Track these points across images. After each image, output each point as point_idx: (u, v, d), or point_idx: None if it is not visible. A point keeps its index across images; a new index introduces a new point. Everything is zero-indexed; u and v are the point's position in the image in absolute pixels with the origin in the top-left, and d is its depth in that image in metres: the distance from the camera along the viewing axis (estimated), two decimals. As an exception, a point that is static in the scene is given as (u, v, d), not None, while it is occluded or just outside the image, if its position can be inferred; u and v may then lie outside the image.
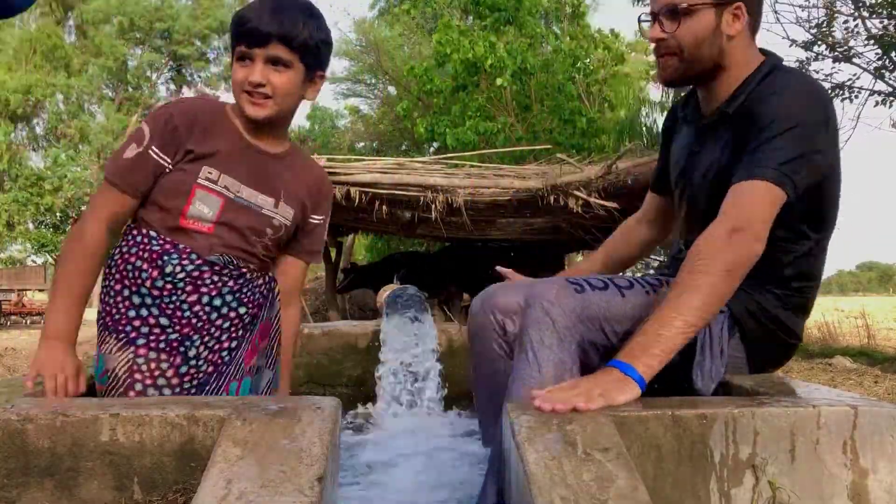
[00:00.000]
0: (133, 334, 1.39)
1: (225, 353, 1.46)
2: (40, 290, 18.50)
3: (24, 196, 22.58)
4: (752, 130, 1.29)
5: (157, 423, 1.03)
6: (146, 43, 26.66)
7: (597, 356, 1.32)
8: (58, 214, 24.49)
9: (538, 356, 1.23)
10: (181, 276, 1.41)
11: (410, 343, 2.37)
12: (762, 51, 1.45)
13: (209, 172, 1.42)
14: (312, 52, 1.42)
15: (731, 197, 1.25)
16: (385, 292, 3.32)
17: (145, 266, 1.41)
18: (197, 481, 0.92)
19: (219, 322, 1.45)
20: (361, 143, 16.70)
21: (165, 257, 1.41)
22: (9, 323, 14.80)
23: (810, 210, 1.35)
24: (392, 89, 15.76)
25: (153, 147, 1.41)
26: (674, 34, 1.37)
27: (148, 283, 1.40)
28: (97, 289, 1.47)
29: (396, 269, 8.53)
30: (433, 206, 6.75)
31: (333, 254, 11.28)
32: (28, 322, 15.30)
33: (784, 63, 1.42)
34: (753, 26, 1.40)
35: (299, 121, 19.66)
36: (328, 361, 2.57)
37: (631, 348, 1.17)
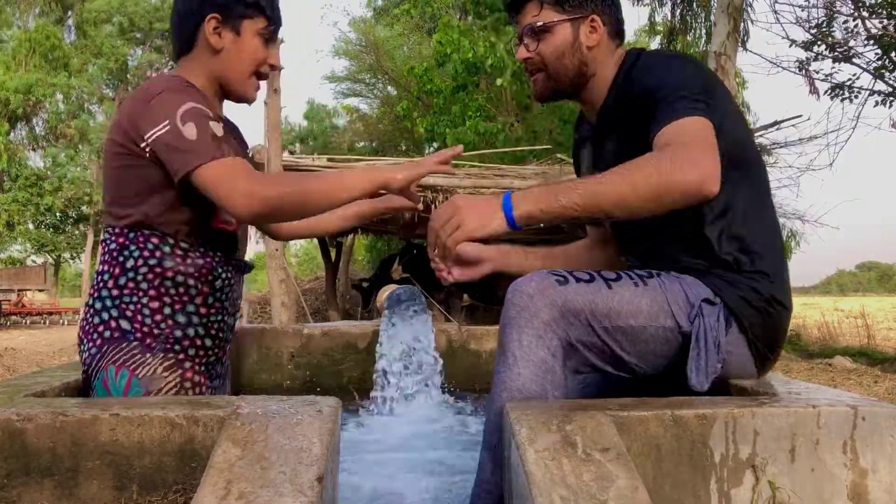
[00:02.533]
0: (181, 356, 1.32)
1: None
2: (40, 290, 18.50)
3: (24, 196, 22.59)
4: (646, 104, 1.28)
5: (158, 423, 1.03)
6: (146, 43, 26.65)
7: (595, 357, 1.24)
8: (58, 214, 24.50)
9: (517, 356, 1.16)
10: (227, 291, 1.35)
11: (410, 341, 2.38)
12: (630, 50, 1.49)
13: None
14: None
15: (662, 140, 1.21)
16: (385, 292, 3.32)
17: (193, 282, 1.31)
18: (197, 481, 0.92)
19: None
20: (361, 143, 16.70)
21: (214, 272, 1.32)
22: (9, 323, 14.80)
23: (731, 155, 1.28)
24: (392, 89, 15.76)
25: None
26: (537, 52, 1.44)
27: (198, 300, 1.32)
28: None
29: (399, 259, 8.52)
30: (433, 206, 6.76)
31: (333, 254, 11.28)
32: (28, 322, 15.30)
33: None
34: (614, 31, 1.46)
35: (297, 120, 19.69)
36: (328, 361, 2.57)
37: (526, 189, 1.20)
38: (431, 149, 13.44)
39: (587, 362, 1.25)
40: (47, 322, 15.65)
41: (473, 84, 10.07)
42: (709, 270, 1.32)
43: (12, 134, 23.53)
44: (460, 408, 2.25)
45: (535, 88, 1.51)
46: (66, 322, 15.95)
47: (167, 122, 1.21)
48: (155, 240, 1.30)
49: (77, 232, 25.59)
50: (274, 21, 1.39)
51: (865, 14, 6.82)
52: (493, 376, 1.22)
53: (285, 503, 0.80)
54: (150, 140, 1.23)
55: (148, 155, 1.26)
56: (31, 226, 24.42)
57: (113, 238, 1.33)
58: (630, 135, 1.34)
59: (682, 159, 1.14)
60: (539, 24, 1.42)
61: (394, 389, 2.26)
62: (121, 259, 1.32)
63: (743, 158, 1.36)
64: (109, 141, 1.32)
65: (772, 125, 6.21)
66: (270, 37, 1.39)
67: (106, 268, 1.34)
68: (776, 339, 1.37)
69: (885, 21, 6.77)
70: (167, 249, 1.30)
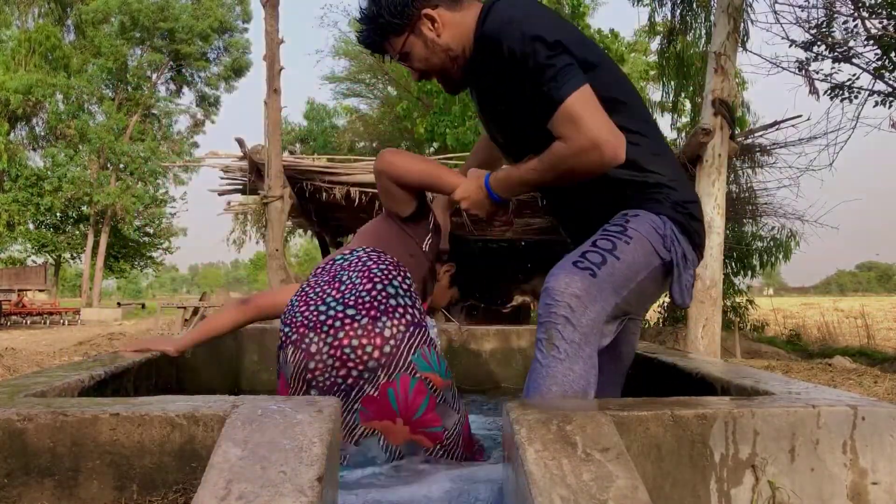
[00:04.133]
0: None
1: None
2: (40, 290, 18.49)
3: (24, 196, 22.58)
4: (509, 67, 1.37)
5: (158, 422, 1.03)
6: (147, 42, 26.63)
7: (611, 321, 1.35)
8: (58, 214, 24.49)
9: (569, 353, 1.25)
10: None
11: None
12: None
13: None
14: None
15: (558, 129, 1.34)
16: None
17: None
18: (197, 481, 0.92)
19: None
20: (361, 143, 16.70)
21: None
22: (9, 323, 14.79)
23: (606, 97, 1.37)
24: (392, 89, 15.76)
25: None
26: (417, 69, 1.58)
27: None
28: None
29: None
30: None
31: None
32: (28, 322, 15.30)
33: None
34: (449, 3, 1.51)
35: (297, 119, 19.67)
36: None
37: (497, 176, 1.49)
38: (431, 149, 13.42)
39: (609, 331, 1.36)
40: (47, 322, 15.64)
41: (473, 84, 10.05)
42: (640, 197, 1.44)
43: (12, 134, 23.53)
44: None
45: (444, 89, 1.66)
46: (66, 322, 15.94)
47: None
48: None
49: (77, 232, 25.58)
50: None
51: (865, 14, 6.82)
52: (533, 370, 1.28)
53: (285, 503, 0.80)
54: None
55: None
56: (31, 226, 24.41)
57: None
58: (498, 87, 1.47)
59: (585, 149, 1.30)
60: (396, 54, 1.57)
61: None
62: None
63: (628, 95, 1.47)
64: None
65: (772, 125, 6.20)
66: None
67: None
68: (702, 236, 1.51)
69: (885, 21, 6.77)
70: None
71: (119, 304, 21.16)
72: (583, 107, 1.31)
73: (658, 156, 1.46)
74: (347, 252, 1.72)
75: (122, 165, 24.83)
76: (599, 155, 1.30)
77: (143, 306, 22.09)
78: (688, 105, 9.73)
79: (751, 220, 8.50)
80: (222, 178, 7.13)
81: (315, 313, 1.54)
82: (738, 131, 5.71)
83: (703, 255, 1.51)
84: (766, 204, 7.91)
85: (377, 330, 1.49)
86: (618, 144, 1.31)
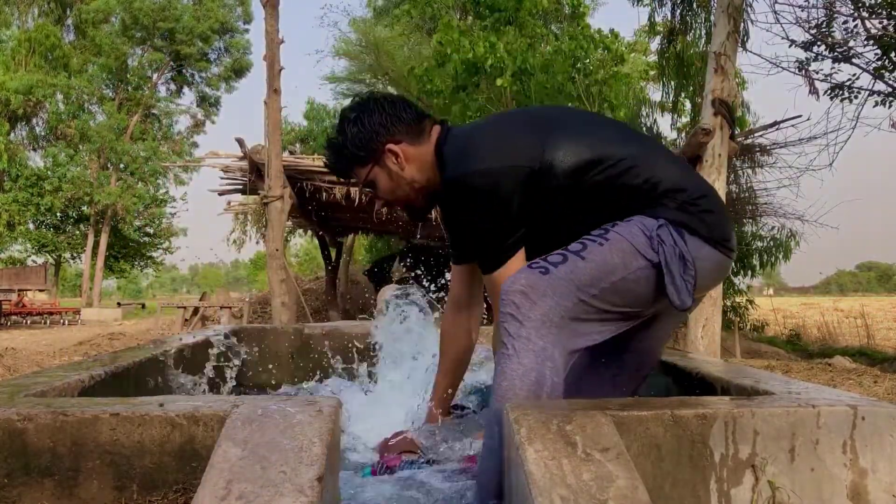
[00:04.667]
0: None
1: None
2: (41, 290, 18.49)
3: (24, 196, 22.57)
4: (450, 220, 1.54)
5: (158, 422, 1.03)
6: (147, 42, 26.61)
7: (597, 323, 1.34)
8: (58, 214, 24.49)
9: (517, 348, 1.25)
10: None
11: (411, 342, 2.37)
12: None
13: None
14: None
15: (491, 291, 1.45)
16: (387, 291, 3.32)
17: None
18: (197, 481, 0.93)
19: None
20: (361, 143, 16.66)
21: None
22: (9, 323, 14.79)
23: (571, 187, 1.43)
24: (392, 90, 15.75)
25: None
26: (382, 197, 1.63)
27: None
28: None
29: (400, 259, 8.51)
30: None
31: (333, 254, 11.27)
32: (28, 322, 15.30)
33: (449, 132, 1.59)
34: (412, 133, 1.57)
35: (297, 119, 19.67)
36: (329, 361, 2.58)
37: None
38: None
39: (593, 330, 1.34)
40: (48, 322, 15.64)
41: (473, 84, 10.05)
42: (646, 206, 1.43)
43: (12, 134, 23.52)
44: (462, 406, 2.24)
45: (411, 219, 1.70)
46: (66, 322, 15.94)
47: None
48: None
49: (77, 232, 25.57)
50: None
51: (865, 14, 6.81)
52: (496, 369, 1.28)
53: (285, 503, 0.81)
54: None
55: None
56: (31, 226, 24.41)
57: None
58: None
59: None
60: (361, 181, 1.61)
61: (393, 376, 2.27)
62: None
63: (582, 180, 1.44)
64: None
65: (772, 125, 6.20)
66: None
67: None
68: (721, 227, 1.45)
69: (885, 21, 6.77)
70: None
71: (119, 304, 21.16)
72: (497, 285, 1.40)
73: (655, 166, 1.45)
74: None
75: (122, 165, 24.82)
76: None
77: (143, 306, 22.10)
78: (688, 105, 9.72)
79: (751, 220, 8.49)
80: (222, 178, 7.13)
81: None
82: (738, 131, 5.71)
83: (729, 247, 1.46)
84: (765, 204, 7.91)
85: None
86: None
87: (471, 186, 1.42)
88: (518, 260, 1.44)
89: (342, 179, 1.67)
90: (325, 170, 6.92)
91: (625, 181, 1.41)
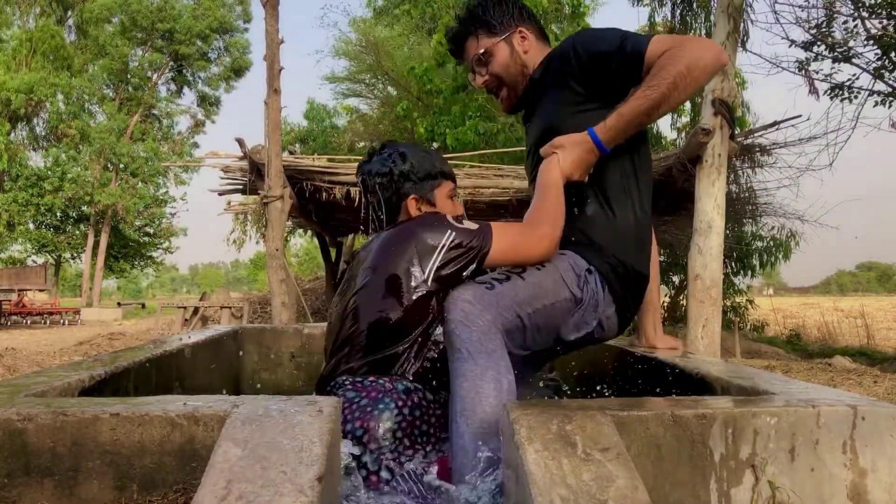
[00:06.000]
0: None
1: None
2: (41, 290, 18.49)
3: (24, 196, 22.58)
4: (569, 63, 1.55)
5: (158, 422, 1.03)
6: (147, 43, 26.61)
7: (518, 339, 1.43)
8: (58, 214, 24.49)
9: (470, 351, 1.31)
10: None
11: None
12: None
13: None
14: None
15: (657, 48, 1.45)
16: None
17: None
18: (197, 481, 0.93)
19: None
20: (361, 143, 16.68)
21: None
22: (9, 323, 14.80)
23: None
24: (392, 89, 15.75)
25: None
26: (489, 73, 1.73)
27: None
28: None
29: None
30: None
31: (333, 254, 11.28)
32: (28, 322, 15.30)
33: None
34: (541, 35, 1.75)
35: (297, 120, 19.67)
36: (328, 361, 2.57)
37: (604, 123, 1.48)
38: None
39: (514, 344, 1.43)
40: (48, 322, 15.64)
41: (473, 84, 10.03)
42: (585, 242, 1.54)
43: (13, 134, 23.52)
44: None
45: (503, 104, 1.79)
46: (66, 322, 15.94)
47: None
48: None
49: (77, 232, 25.58)
50: (455, 180, 1.70)
51: (865, 14, 6.81)
52: (451, 373, 1.34)
53: (285, 503, 0.81)
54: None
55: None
56: (31, 226, 24.41)
57: None
58: (556, 94, 1.59)
59: (694, 46, 1.41)
60: (482, 51, 1.70)
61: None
62: None
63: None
64: None
65: (772, 125, 6.20)
66: (455, 194, 1.69)
67: None
68: (633, 306, 1.62)
69: (885, 21, 6.77)
70: None
71: (119, 303, 21.18)
72: (670, 37, 1.45)
73: (609, 220, 1.57)
74: None
75: (122, 166, 24.83)
76: (709, 49, 1.40)
77: (143, 306, 22.11)
78: (688, 105, 9.72)
79: (751, 220, 8.50)
80: (222, 178, 7.13)
81: None
82: (737, 131, 5.71)
83: (622, 328, 1.62)
84: (765, 204, 7.92)
85: None
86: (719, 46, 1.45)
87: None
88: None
89: (451, 51, 1.76)
90: (325, 170, 6.94)
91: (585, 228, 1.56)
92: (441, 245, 1.45)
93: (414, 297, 1.44)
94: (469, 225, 1.50)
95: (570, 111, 1.56)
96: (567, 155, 1.50)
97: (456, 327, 1.33)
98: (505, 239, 1.47)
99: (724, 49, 1.48)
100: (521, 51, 1.69)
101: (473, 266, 1.45)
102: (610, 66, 1.49)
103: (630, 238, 1.56)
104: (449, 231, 1.46)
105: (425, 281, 1.44)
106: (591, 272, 1.50)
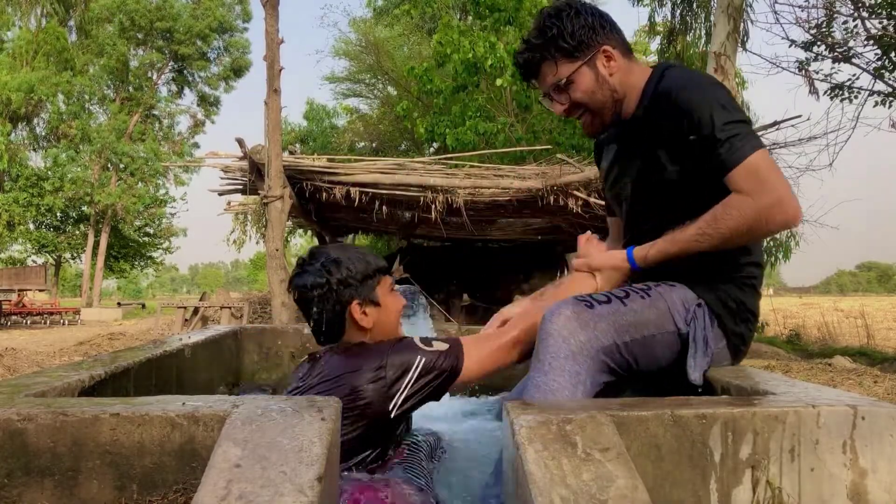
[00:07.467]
0: None
1: None
2: (40, 290, 18.49)
3: (24, 196, 22.57)
4: (685, 125, 1.37)
5: (158, 422, 1.03)
6: (147, 43, 26.61)
7: (610, 365, 1.36)
8: (58, 215, 24.48)
9: (553, 366, 1.28)
10: None
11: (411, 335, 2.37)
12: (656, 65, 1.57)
13: None
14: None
15: (738, 183, 1.32)
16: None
17: None
18: (197, 481, 0.93)
19: None
20: (361, 143, 16.69)
21: None
22: (9, 323, 14.79)
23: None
24: (392, 89, 15.75)
25: None
26: (571, 102, 1.54)
27: None
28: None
29: (400, 259, 8.52)
30: (433, 206, 6.76)
31: (333, 254, 11.24)
32: (28, 322, 15.30)
33: (672, 63, 1.58)
34: (625, 49, 1.54)
35: (297, 120, 19.67)
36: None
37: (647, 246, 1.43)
38: (431, 149, 13.41)
39: (604, 369, 1.36)
40: (48, 322, 15.64)
41: (473, 84, 10.06)
42: (697, 273, 1.46)
43: (13, 134, 23.52)
44: (461, 405, 2.25)
45: (587, 130, 1.61)
46: (66, 322, 15.94)
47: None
48: None
49: (77, 232, 25.57)
50: (391, 271, 1.59)
51: (865, 14, 6.82)
52: (527, 382, 1.33)
53: (285, 503, 0.81)
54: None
55: None
56: (31, 226, 24.40)
57: None
58: (652, 147, 1.46)
59: (770, 204, 1.28)
60: (562, 81, 1.51)
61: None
62: None
63: None
64: None
65: (772, 125, 6.20)
66: (393, 287, 1.58)
67: None
68: (745, 342, 1.55)
69: (885, 21, 6.77)
70: None
71: (119, 303, 21.18)
72: (768, 164, 1.30)
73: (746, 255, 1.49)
74: None
75: (122, 166, 24.83)
76: (783, 212, 1.28)
77: (143, 306, 22.11)
78: (688, 105, 9.69)
79: (751, 220, 8.48)
80: (222, 178, 7.13)
81: None
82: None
83: (744, 341, 1.54)
84: (765, 204, 7.89)
85: None
86: (798, 206, 1.30)
87: (700, 73, 1.48)
88: (772, 159, 1.37)
89: (522, 75, 1.55)
90: (325, 170, 6.94)
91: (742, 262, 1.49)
92: (411, 373, 1.39)
93: (373, 426, 1.37)
94: (439, 346, 1.45)
95: (669, 164, 1.45)
96: (605, 282, 1.51)
97: (548, 337, 1.31)
98: (477, 353, 1.47)
99: (800, 209, 1.31)
100: (607, 74, 1.49)
101: (446, 387, 1.42)
102: (703, 153, 1.37)
103: (741, 274, 1.49)
104: (419, 356, 1.41)
105: (389, 412, 1.37)
106: (699, 307, 1.43)
